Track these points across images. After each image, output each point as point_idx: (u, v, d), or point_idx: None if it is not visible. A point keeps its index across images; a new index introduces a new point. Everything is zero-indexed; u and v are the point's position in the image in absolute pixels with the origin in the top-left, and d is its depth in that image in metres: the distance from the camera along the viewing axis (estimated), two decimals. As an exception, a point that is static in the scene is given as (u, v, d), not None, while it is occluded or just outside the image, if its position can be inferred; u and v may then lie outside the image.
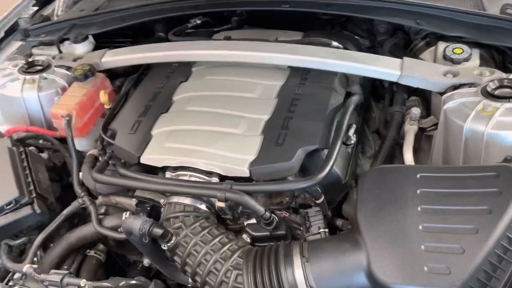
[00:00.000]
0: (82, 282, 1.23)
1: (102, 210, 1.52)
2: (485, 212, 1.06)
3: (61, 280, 1.24)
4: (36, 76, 1.79)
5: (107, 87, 1.81)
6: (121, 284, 1.26)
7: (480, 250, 1.01)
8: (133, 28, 2.08)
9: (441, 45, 1.61)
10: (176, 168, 1.40)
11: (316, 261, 1.13)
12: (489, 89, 1.35)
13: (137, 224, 1.23)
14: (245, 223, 1.37)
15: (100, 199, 1.55)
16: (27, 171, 1.51)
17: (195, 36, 1.95)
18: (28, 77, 1.79)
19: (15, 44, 2.10)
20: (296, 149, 1.32)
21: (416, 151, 1.57)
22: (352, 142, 1.42)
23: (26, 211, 1.41)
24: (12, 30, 2.17)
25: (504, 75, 1.41)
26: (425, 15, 1.64)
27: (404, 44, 1.89)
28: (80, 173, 1.56)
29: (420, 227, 1.08)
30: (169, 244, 1.24)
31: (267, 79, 1.61)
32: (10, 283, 1.35)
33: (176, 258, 1.28)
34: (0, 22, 2.14)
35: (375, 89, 1.86)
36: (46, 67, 1.84)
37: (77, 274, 1.49)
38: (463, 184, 1.13)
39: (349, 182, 1.46)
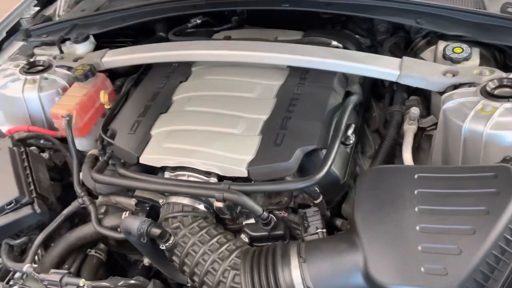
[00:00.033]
0: (81, 281, 1.24)
1: (102, 210, 1.52)
2: (483, 212, 1.06)
3: (60, 280, 1.24)
4: (37, 76, 1.80)
5: (107, 87, 1.82)
6: (119, 284, 1.27)
7: (477, 251, 1.00)
8: (134, 28, 2.08)
9: (441, 44, 1.60)
10: (175, 168, 1.40)
11: (313, 262, 1.13)
12: (488, 89, 1.34)
13: (135, 224, 1.23)
14: (244, 222, 1.37)
15: (100, 199, 1.55)
16: (28, 171, 1.52)
17: (195, 35, 1.96)
18: (29, 77, 1.80)
19: (17, 44, 2.12)
20: (294, 149, 1.32)
21: (416, 150, 1.57)
22: (351, 142, 1.42)
23: (26, 211, 1.42)
24: (14, 31, 2.19)
25: (504, 74, 1.40)
26: (425, 14, 1.63)
27: (405, 43, 1.88)
28: (81, 173, 1.57)
29: (417, 228, 1.07)
30: (167, 244, 1.25)
31: (266, 79, 1.61)
32: (11, 283, 1.36)
33: (174, 258, 1.28)
34: (2, 23, 2.16)
35: (376, 88, 1.86)
36: (47, 67, 1.85)
37: (78, 274, 1.49)
38: (461, 184, 1.12)
39: (348, 182, 1.45)
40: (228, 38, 1.86)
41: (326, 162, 1.28)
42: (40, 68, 1.86)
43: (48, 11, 2.30)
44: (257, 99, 1.54)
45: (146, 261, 1.55)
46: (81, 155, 1.65)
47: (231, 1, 1.90)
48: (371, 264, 1.06)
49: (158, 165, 1.41)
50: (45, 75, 1.81)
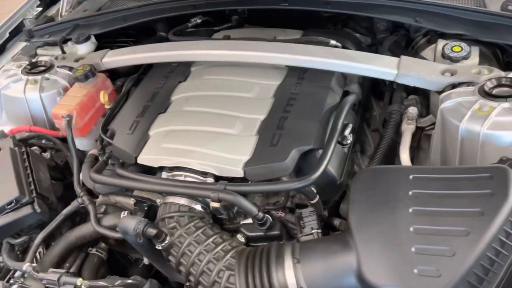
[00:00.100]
0: (79, 281, 1.25)
1: (102, 210, 1.53)
2: (477, 214, 1.05)
3: (58, 279, 1.26)
4: (39, 77, 1.81)
5: (108, 87, 1.83)
6: (117, 283, 1.28)
7: (471, 253, 1.00)
8: (135, 28, 2.10)
9: (440, 43, 1.59)
10: (172, 169, 1.41)
11: (307, 262, 1.13)
12: (486, 88, 1.32)
13: (132, 224, 1.24)
14: (241, 222, 1.37)
15: (100, 198, 1.56)
16: (28, 171, 1.53)
17: (195, 35, 1.96)
18: (30, 77, 1.82)
19: (20, 45, 2.14)
20: (290, 149, 1.32)
21: (416, 150, 1.56)
22: (349, 141, 1.42)
23: (26, 210, 1.44)
24: (17, 31, 2.21)
25: (502, 73, 1.38)
26: (424, 13, 1.61)
27: (406, 41, 1.87)
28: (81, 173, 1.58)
29: (411, 229, 1.07)
30: (163, 244, 1.26)
31: (264, 79, 1.61)
32: (11, 281, 1.38)
33: (170, 258, 1.29)
34: (5, 23, 2.18)
35: (377, 86, 1.85)
36: (48, 68, 1.87)
37: (79, 272, 1.51)
38: (456, 185, 1.12)
39: (345, 182, 1.45)
40: (227, 37, 1.86)
41: (321, 162, 1.28)
42: (42, 68, 1.87)
43: (51, 12, 2.32)
44: (255, 99, 1.54)
45: (147, 260, 1.56)
46: (82, 154, 1.66)
47: (230, 0, 1.90)
48: (364, 265, 1.06)
49: (156, 165, 1.42)
50: (46, 75, 1.83)
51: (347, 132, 1.41)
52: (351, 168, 1.53)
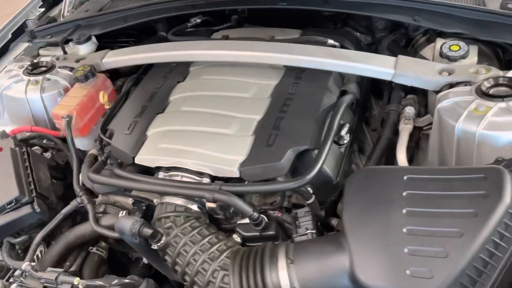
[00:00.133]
0: (76, 280, 1.26)
1: (101, 209, 1.54)
2: (471, 215, 1.04)
3: (56, 278, 1.28)
4: (40, 78, 1.83)
5: (108, 88, 1.84)
6: (113, 283, 1.29)
7: (464, 254, 0.99)
8: (136, 28, 2.11)
9: (439, 42, 1.57)
10: (169, 169, 1.42)
11: (301, 263, 1.13)
12: (483, 88, 1.31)
13: (128, 224, 1.25)
14: (238, 222, 1.38)
15: (99, 198, 1.58)
16: (28, 171, 1.55)
17: (194, 35, 1.96)
18: (32, 78, 1.83)
19: (23, 46, 2.16)
20: (286, 149, 1.32)
21: (415, 150, 1.56)
22: (345, 141, 1.42)
23: (26, 210, 1.45)
24: (20, 32, 2.23)
25: (500, 72, 1.37)
26: (423, 11, 1.60)
27: (406, 40, 1.86)
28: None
29: (405, 230, 1.07)
30: (159, 244, 1.27)
31: (262, 79, 1.61)
32: (11, 280, 1.40)
33: (167, 257, 1.30)
34: (8, 24, 2.20)
35: (377, 85, 1.84)
36: (50, 68, 1.88)
37: (80, 271, 1.52)
38: (450, 186, 1.11)
39: (342, 182, 1.44)
40: (226, 37, 1.86)
41: (317, 163, 1.28)
42: (43, 69, 1.89)
43: (54, 12, 2.34)
44: (252, 99, 1.55)
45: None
46: (82, 154, 1.68)
47: (230, 0, 1.90)
48: (357, 266, 1.06)
49: (153, 165, 1.43)
50: (47, 76, 1.84)
51: (343, 132, 1.41)
52: (348, 168, 1.53)
